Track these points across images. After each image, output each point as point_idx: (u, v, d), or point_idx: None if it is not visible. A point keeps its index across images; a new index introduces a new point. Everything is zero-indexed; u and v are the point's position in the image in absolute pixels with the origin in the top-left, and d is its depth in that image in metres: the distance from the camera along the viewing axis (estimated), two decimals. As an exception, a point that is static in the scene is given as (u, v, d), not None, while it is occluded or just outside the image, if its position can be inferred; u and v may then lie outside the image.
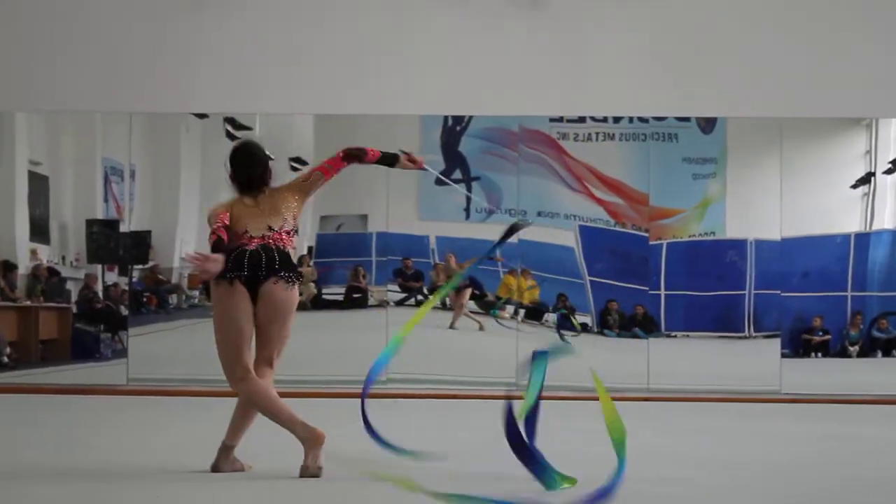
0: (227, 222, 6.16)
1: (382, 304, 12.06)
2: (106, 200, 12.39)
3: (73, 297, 12.26)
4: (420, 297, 12.10)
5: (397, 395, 11.53)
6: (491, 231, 12.09)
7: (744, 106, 11.94)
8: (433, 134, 12.16)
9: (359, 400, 5.96)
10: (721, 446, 7.94)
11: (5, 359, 11.88)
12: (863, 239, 12.33)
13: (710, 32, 11.94)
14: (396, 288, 12.14)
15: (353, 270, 12.17)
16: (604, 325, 12.11)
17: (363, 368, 11.32)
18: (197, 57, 11.60)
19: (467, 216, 12.15)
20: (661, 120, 12.10)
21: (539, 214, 12.07)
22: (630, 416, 9.61)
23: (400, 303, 12.11)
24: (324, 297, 12.22)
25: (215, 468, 6.09)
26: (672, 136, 12.16)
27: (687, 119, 12.17)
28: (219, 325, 6.07)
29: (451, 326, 12.19)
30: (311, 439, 5.99)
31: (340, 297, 12.22)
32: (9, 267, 12.08)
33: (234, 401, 6.19)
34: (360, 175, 11.88)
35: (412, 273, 12.11)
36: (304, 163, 12.05)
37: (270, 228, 6.21)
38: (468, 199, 12.10)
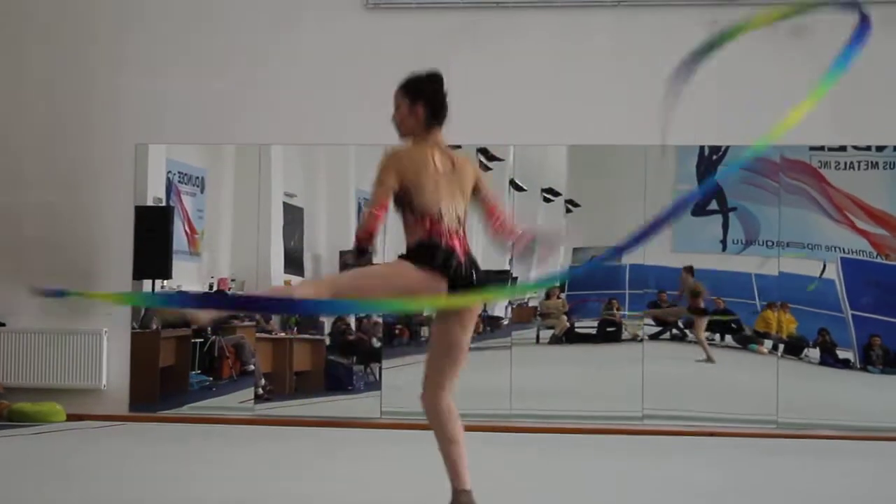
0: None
1: (636, 338, 11.72)
2: (359, 232, 12.22)
3: (327, 329, 12.02)
4: (675, 331, 11.76)
5: (653, 431, 11.26)
6: (746, 263, 11.74)
7: None
8: (689, 164, 11.76)
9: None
10: None
11: (260, 390, 11.91)
12: None
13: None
14: (651, 321, 11.77)
15: (607, 303, 11.82)
16: (867, 361, 11.56)
17: (616, 403, 11.21)
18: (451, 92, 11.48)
19: (723, 248, 11.73)
20: (928, 148, 11.51)
21: (790, 245, 11.62)
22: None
23: (654, 336, 11.73)
24: (576, 330, 11.91)
25: None
26: (940, 165, 11.54)
27: (956, 147, 11.50)
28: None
29: (709, 360, 11.73)
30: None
31: (593, 331, 11.85)
32: (263, 298, 12.05)
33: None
34: (616, 208, 11.76)
35: (667, 306, 11.75)
36: (557, 193, 11.86)
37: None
38: (724, 231, 11.70)
